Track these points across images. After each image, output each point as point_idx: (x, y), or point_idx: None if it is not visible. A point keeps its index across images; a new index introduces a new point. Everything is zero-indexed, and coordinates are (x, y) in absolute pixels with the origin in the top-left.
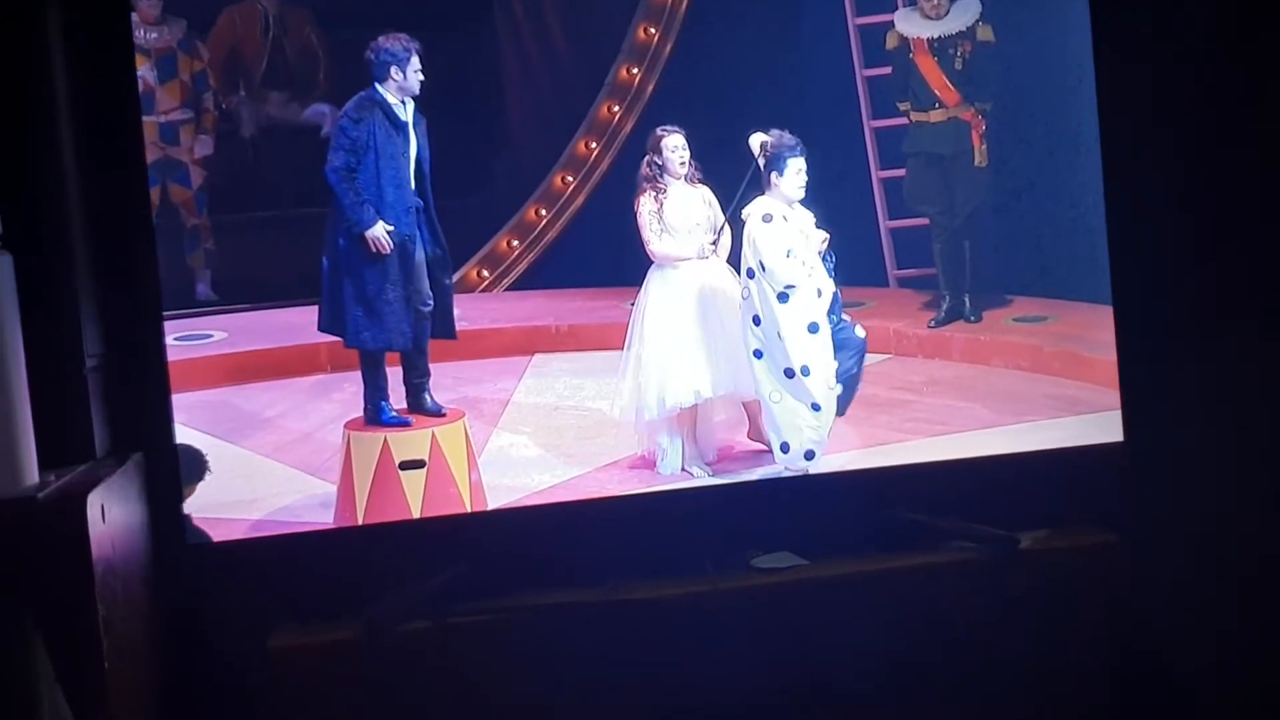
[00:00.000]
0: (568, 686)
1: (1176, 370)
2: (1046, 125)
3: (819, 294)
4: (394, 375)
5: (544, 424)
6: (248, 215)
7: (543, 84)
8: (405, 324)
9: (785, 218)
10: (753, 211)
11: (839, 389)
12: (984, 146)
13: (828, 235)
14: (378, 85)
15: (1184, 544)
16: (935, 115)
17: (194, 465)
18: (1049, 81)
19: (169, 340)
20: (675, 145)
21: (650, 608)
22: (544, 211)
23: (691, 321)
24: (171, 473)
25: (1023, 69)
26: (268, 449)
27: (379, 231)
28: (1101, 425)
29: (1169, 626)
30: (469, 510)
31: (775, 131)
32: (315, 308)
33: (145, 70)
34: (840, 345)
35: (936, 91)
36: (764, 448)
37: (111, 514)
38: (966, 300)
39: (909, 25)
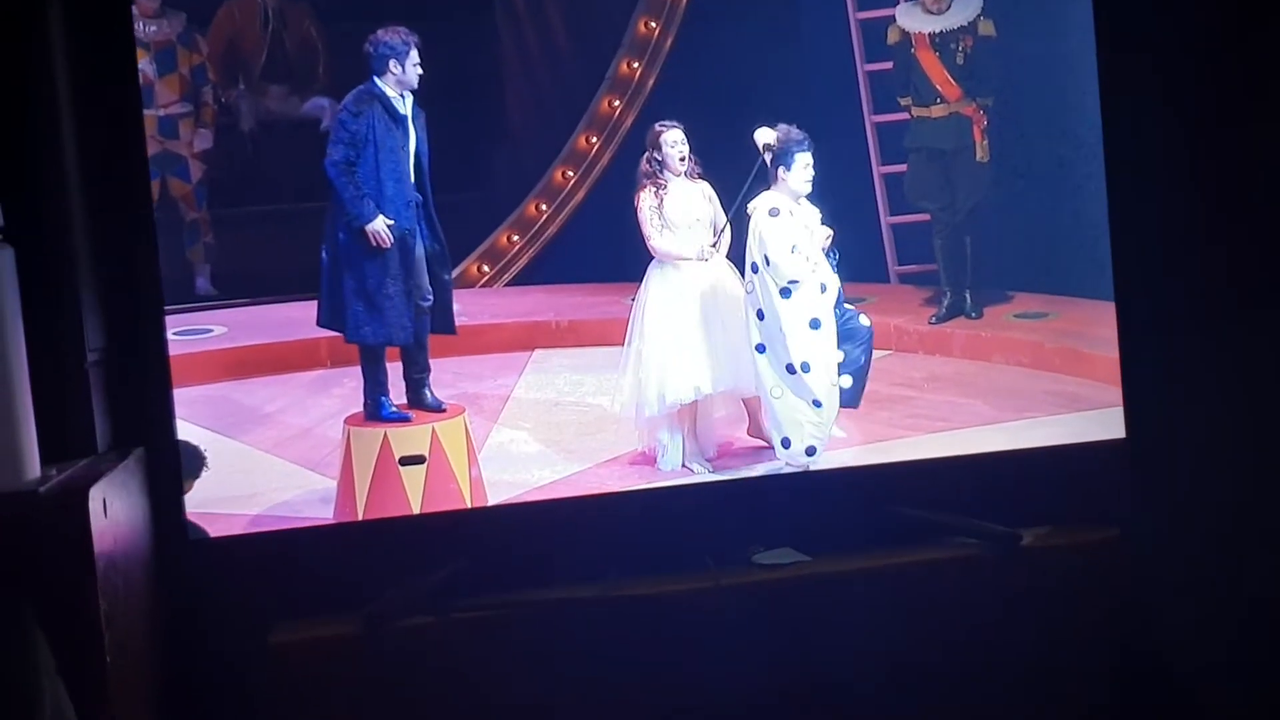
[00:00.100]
0: (568, 683)
1: (1178, 366)
2: (1048, 120)
3: (823, 289)
4: (394, 371)
5: (544, 420)
6: (247, 209)
7: (543, 78)
8: (406, 319)
9: (791, 213)
10: (758, 206)
11: (846, 380)
12: (985, 142)
13: (832, 231)
14: (376, 79)
15: (1186, 541)
16: (937, 110)
17: (192, 461)
18: (1050, 76)
19: (168, 335)
20: (674, 140)
21: (651, 604)
22: (544, 206)
23: (692, 317)
24: (173, 468)
25: (1024, 64)
26: (268, 444)
27: (379, 226)
28: (1102, 421)
29: (1171, 624)
30: (469, 506)
31: (783, 126)
32: (315, 302)
33: (144, 64)
34: (846, 336)
35: (938, 86)
36: (764, 444)
37: (113, 508)
38: (967, 296)
39: (910, 20)
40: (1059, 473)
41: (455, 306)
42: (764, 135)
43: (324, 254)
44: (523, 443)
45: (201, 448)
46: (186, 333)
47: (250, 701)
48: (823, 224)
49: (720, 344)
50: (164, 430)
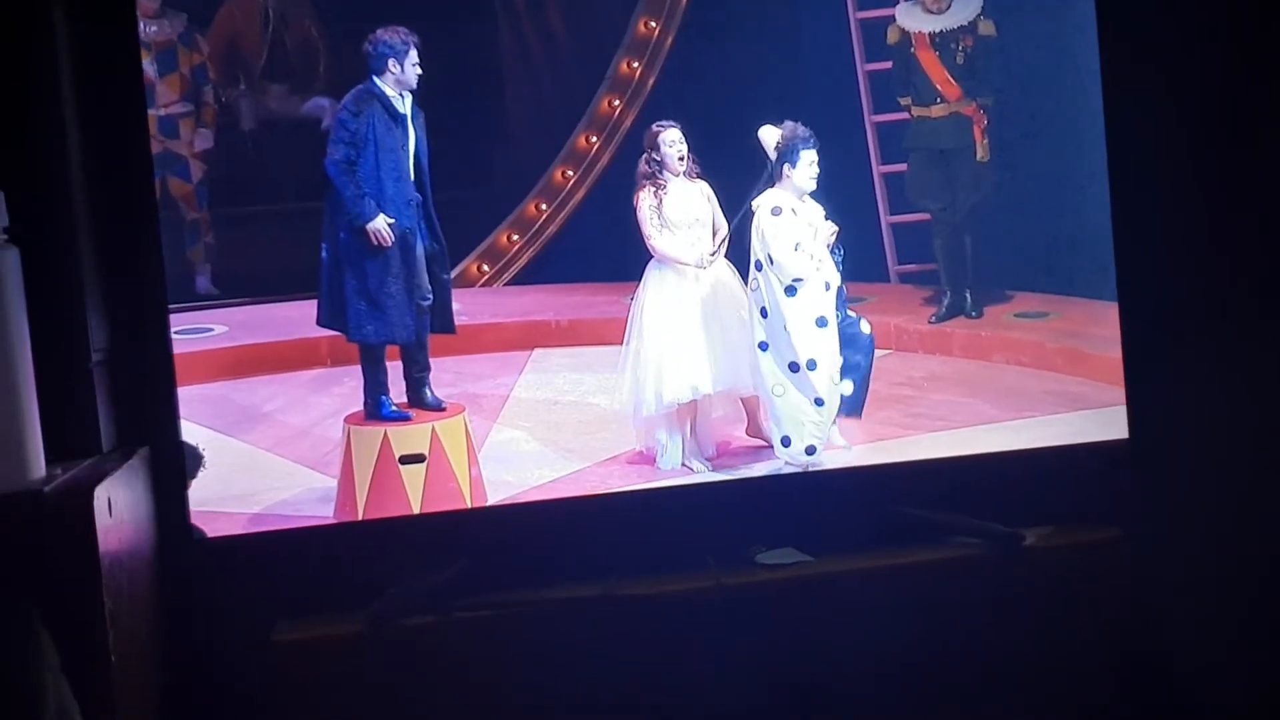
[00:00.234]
0: (571, 682)
1: (1181, 366)
2: (1048, 120)
3: (826, 288)
4: (394, 370)
5: (544, 419)
6: (248, 209)
7: (543, 78)
8: (408, 317)
9: (795, 210)
10: (763, 203)
11: (846, 386)
12: (985, 141)
13: (837, 228)
14: (375, 78)
15: (1188, 541)
16: (936, 110)
17: (189, 461)
18: (1050, 76)
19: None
20: (672, 140)
21: (654, 604)
22: (544, 206)
23: (690, 317)
24: (177, 467)
25: (1024, 63)
26: (268, 443)
27: (380, 224)
28: (1102, 421)
29: (1173, 624)
30: (469, 505)
31: (789, 123)
32: (315, 302)
33: (145, 64)
34: (847, 341)
35: (938, 86)
36: (763, 443)
37: (118, 508)
38: (968, 296)
39: (910, 20)
40: (1061, 473)
41: (455, 306)
42: (769, 133)
43: (324, 253)
44: (522, 442)
45: (200, 447)
46: (187, 332)
47: (253, 700)
48: (827, 220)
49: (718, 344)
50: (168, 430)
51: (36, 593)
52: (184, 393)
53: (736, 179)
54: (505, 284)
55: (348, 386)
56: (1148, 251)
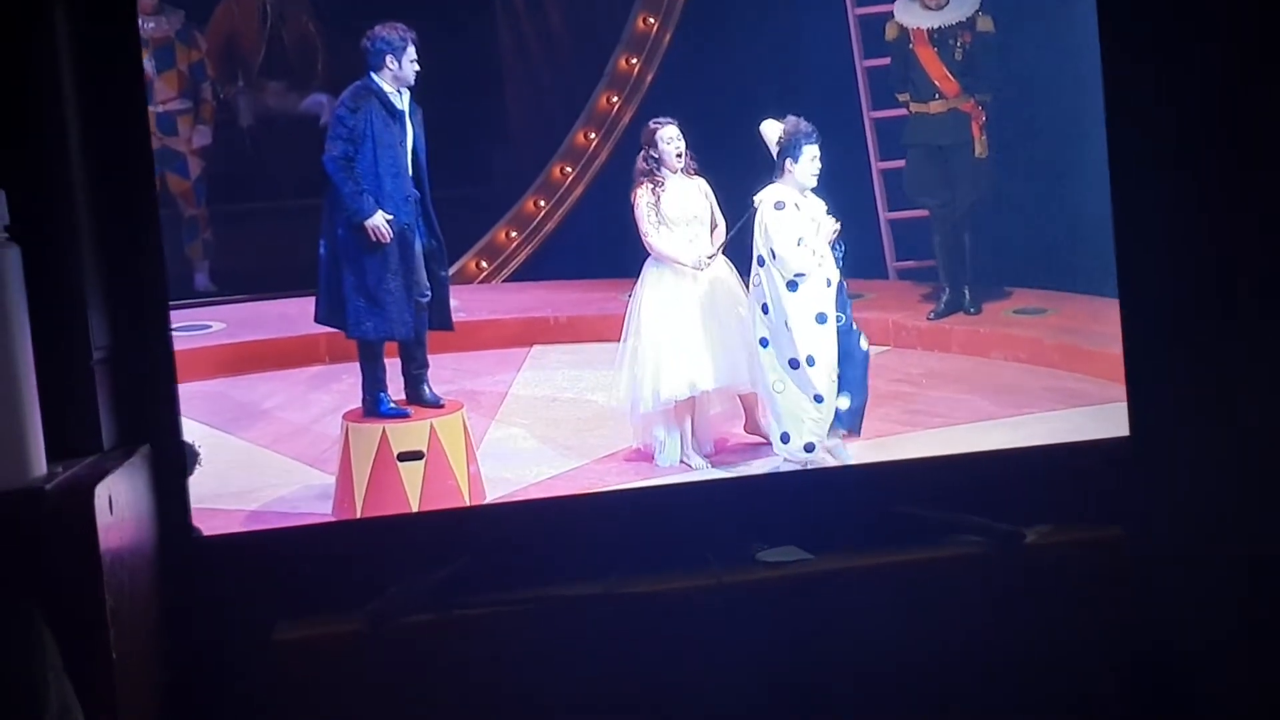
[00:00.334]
0: (571, 680)
1: (1182, 364)
2: (1047, 116)
3: (828, 284)
4: (392, 367)
5: (542, 416)
6: (246, 205)
7: (541, 75)
8: (407, 313)
9: (797, 205)
10: (765, 198)
11: (843, 400)
12: (984, 138)
13: (839, 224)
14: (373, 74)
15: (1189, 540)
16: (935, 106)
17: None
18: (1049, 72)
19: None
20: (670, 137)
21: (654, 601)
22: (543, 202)
23: (687, 314)
24: (178, 465)
25: (1023, 59)
26: (266, 440)
27: (379, 221)
28: (1101, 417)
29: (1174, 622)
30: (468, 502)
31: (790, 118)
32: (313, 299)
33: (143, 60)
34: (844, 356)
35: (936, 82)
36: (761, 440)
37: (118, 505)
38: (966, 292)
39: (909, 16)
40: (1062, 471)
41: (454, 303)
42: (771, 127)
43: (322, 250)
44: (521, 439)
45: (196, 444)
46: (185, 329)
47: (254, 698)
48: (829, 215)
49: (716, 340)
50: (169, 428)
51: (37, 591)
52: (182, 390)
53: (735, 175)
54: (503, 281)
55: (346, 384)
56: (1149, 249)
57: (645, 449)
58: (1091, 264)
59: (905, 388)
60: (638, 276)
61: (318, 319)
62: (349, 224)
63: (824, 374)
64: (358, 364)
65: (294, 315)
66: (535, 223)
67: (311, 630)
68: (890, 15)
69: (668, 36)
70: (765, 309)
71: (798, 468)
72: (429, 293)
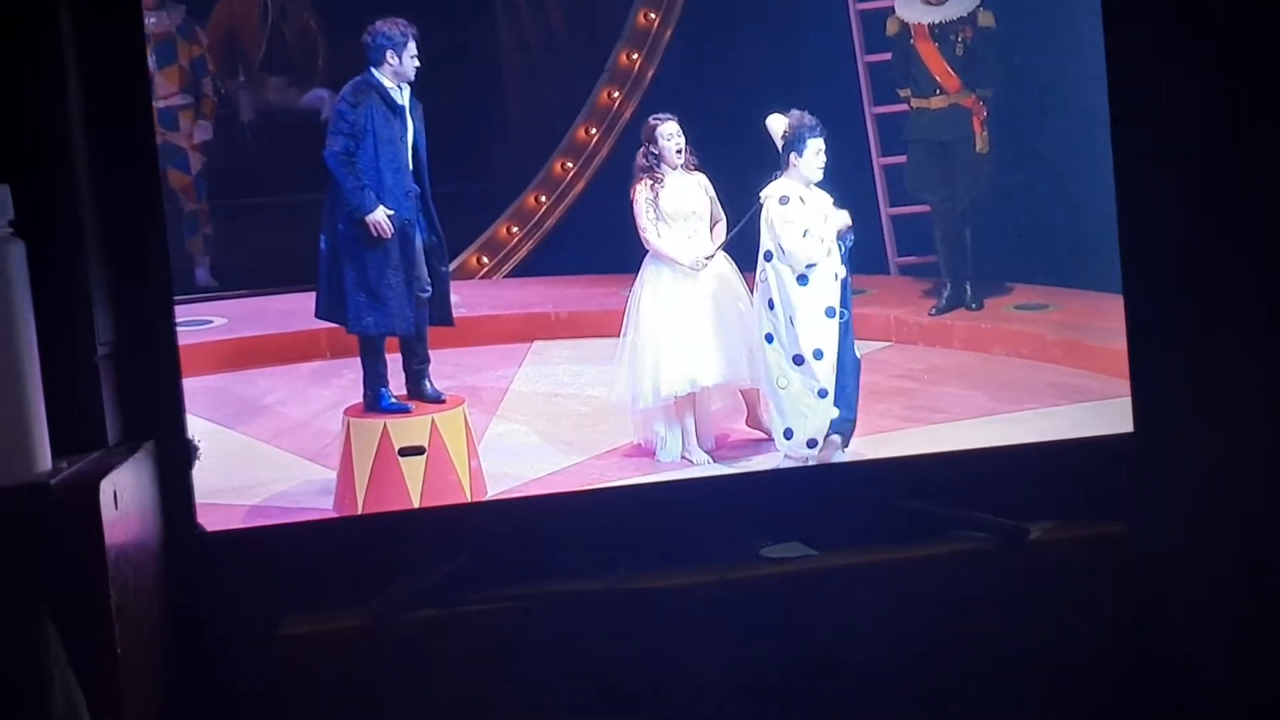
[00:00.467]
0: (576, 675)
1: (1186, 360)
2: (1048, 111)
3: (835, 278)
4: (393, 362)
5: (543, 411)
6: (247, 201)
7: (542, 70)
8: (408, 308)
9: (802, 199)
10: (770, 193)
11: (835, 412)
12: (985, 133)
13: (848, 216)
14: (373, 70)
15: (1193, 536)
16: (936, 102)
17: None
18: (1050, 68)
19: None
20: (670, 133)
21: (659, 597)
22: (544, 198)
23: (687, 310)
24: (183, 460)
25: (1024, 55)
26: (267, 435)
27: (380, 216)
28: (1103, 413)
29: (1178, 620)
30: (469, 497)
31: (795, 112)
32: (314, 294)
33: None
34: (840, 359)
35: (937, 78)
36: (762, 436)
37: (124, 501)
38: (967, 288)
39: (910, 11)
40: (1066, 467)
41: (454, 298)
42: (776, 121)
43: (322, 245)
44: (522, 434)
45: (195, 439)
46: (186, 323)
47: (260, 693)
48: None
49: (716, 336)
50: (174, 423)
51: (42, 586)
52: (184, 384)
53: (736, 171)
54: (505, 276)
55: (347, 379)
56: (1152, 245)
57: (646, 445)
58: (1093, 259)
59: (907, 383)
60: (638, 272)
61: (318, 314)
62: (350, 219)
63: (827, 368)
64: (359, 359)
65: (295, 310)
66: (536, 218)
67: (317, 625)
68: (891, 10)
69: (669, 32)
70: (771, 304)
71: (800, 463)
72: (430, 288)
